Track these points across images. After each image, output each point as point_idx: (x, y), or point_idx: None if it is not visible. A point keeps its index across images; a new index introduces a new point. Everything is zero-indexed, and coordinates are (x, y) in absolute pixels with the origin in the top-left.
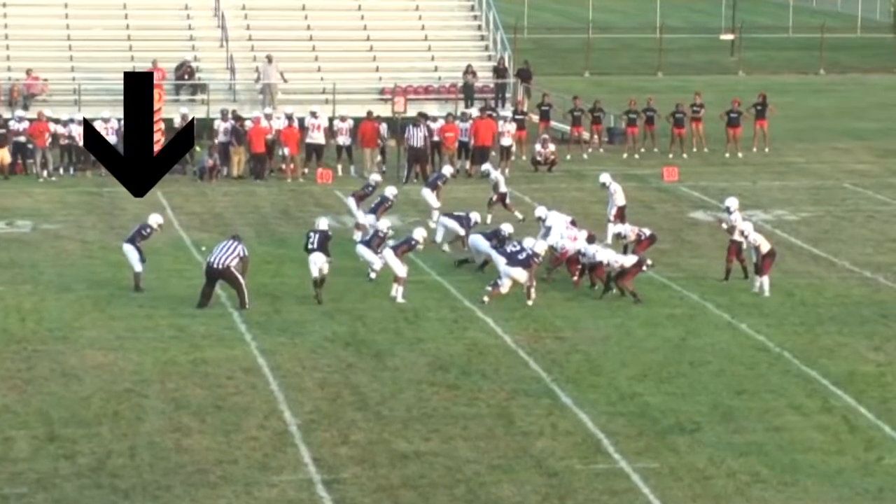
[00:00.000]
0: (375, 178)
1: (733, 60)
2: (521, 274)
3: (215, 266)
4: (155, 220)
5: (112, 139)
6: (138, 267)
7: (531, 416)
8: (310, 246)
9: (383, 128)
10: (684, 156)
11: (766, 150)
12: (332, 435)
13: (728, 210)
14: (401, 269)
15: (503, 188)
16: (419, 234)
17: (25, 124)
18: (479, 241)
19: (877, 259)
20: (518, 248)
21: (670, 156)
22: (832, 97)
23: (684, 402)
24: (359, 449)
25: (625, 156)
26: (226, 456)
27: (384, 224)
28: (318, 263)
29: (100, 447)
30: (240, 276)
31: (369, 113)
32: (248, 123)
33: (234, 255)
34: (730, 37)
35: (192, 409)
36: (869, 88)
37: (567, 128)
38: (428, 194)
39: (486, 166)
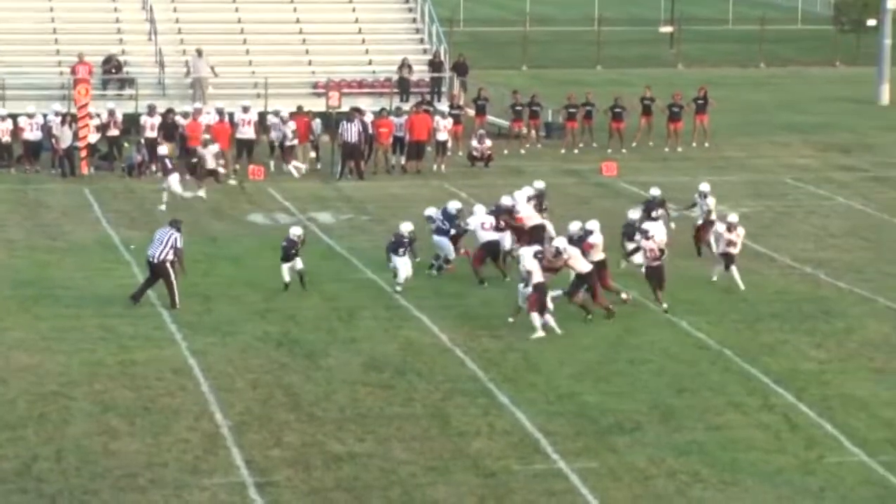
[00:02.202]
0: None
1: (672, 53)
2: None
3: (153, 261)
4: None
5: (37, 135)
6: None
7: (467, 416)
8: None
9: (317, 123)
10: (623, 151)
11: (707, 144)
12: (265, 437)
13: (703, 195)
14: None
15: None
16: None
17: None
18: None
19: (818, 255)
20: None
21: (609, 151)
22: (772, 90)
23: (623, 401)
24: (292, 451)
25: (563, 151)
26: (155, 459)
27: (406, 227)
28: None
29: (25, 451)
30: (172, 274)
31: (299, 108)
32: (178, 119)
33: (169, 247)
34: (669, 29)
35: (121, 411)
36: (809, 82)
37: (504, 122)
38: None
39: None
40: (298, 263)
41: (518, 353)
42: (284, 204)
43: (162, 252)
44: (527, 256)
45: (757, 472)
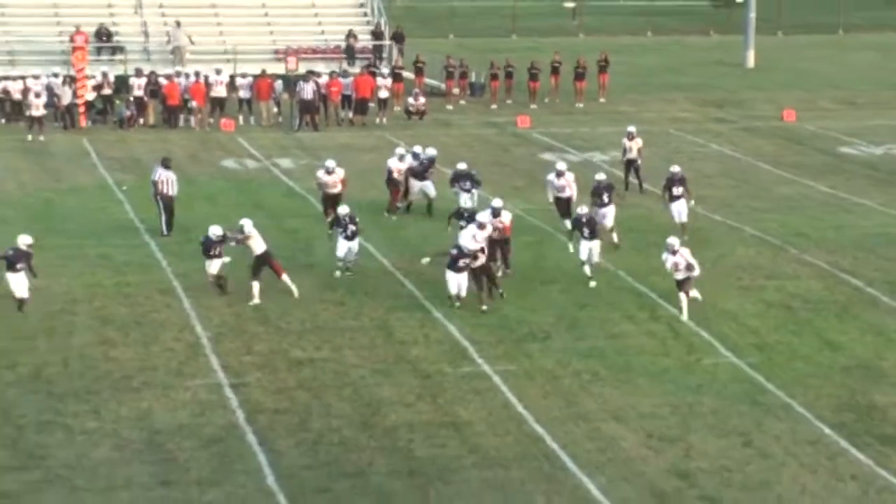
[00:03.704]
0: (431, 152)
1: (575, 24)
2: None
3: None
4: (23, 241)
5: (43, 93)
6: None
7: (407, 327)
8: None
9: (278, 84)
10: (533, 106)
11: (603, 100)
12: (238, 345)
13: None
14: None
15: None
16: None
17: None
18: None
19: (696, 193)
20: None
21: (533, 106)
22: (659, 56)
23: (536, 315)
24: (260, 357)
25: (494, 106)
26: (146, 364)
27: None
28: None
29: (37, 358)
30: (173, 207)
31: (263, 71)
32: (161, 80)
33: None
34: (572, 4)
35: (117, 324)
36: (689, 49)
37: (437, 83)
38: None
39: None
40: (214, 267)
41: None
42: (252, 151)
43: (171, 189)
44: (247, 225)
45: (646, 372)
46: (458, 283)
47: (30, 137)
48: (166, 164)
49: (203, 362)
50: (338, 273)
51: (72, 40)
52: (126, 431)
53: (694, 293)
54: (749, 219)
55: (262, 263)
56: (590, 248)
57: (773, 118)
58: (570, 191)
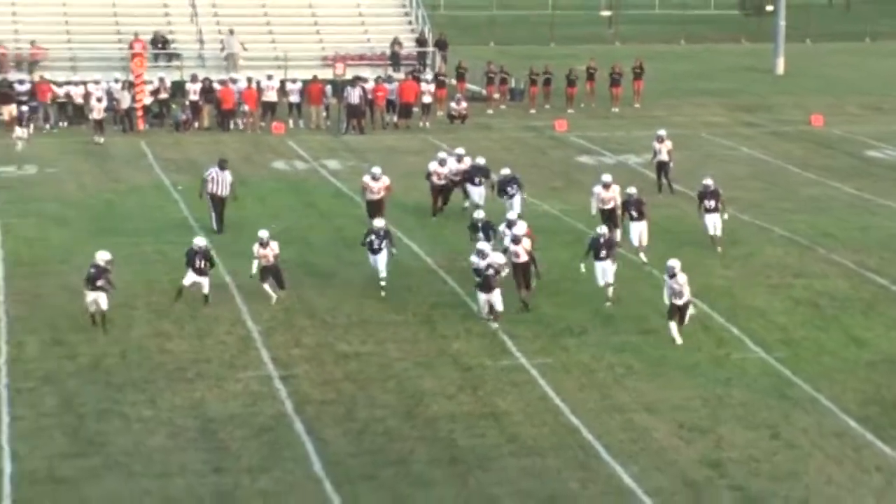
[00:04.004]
0: (480, 161)
1: (611, 33)
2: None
3: (215, 196)
4: (102, 257)
5: (104, 98)
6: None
7: (449, 322)
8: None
9: (328, 89)
10: (570, 110)
11: (638, 105)
12: (287, 339)
13: (660, 138)
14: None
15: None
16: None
17: (28, 85)
18: None
19: (726, 195)
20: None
21: (570, 111)
22: (691, 62)
23: (572, 311)
24: (308, 350)
25: (532, 111)
26: (200, 356)
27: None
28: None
29: (96, 350)
30: (224, 206)
31: (315, 77)
32: (215, 85)
33: (225, 184)
34: (608, 13)
35: (172, 318)
36: (720, 56)
37: (478, 88)
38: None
39: None
40: (189, 279)
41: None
42: (301, 153)
43: (223, 189)
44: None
45: (678, 366)
46: (487, 300)
47: (95, 139)
48: (222, 166)
49: (254, 355)
50: (382, 283)
51: (130, 47)
52: (180, 420)
53: (689, 310)
54: (778, 219)
55: (268, 273)
56: (603, 269)
57: (802, 123)
58: (615, 202)
